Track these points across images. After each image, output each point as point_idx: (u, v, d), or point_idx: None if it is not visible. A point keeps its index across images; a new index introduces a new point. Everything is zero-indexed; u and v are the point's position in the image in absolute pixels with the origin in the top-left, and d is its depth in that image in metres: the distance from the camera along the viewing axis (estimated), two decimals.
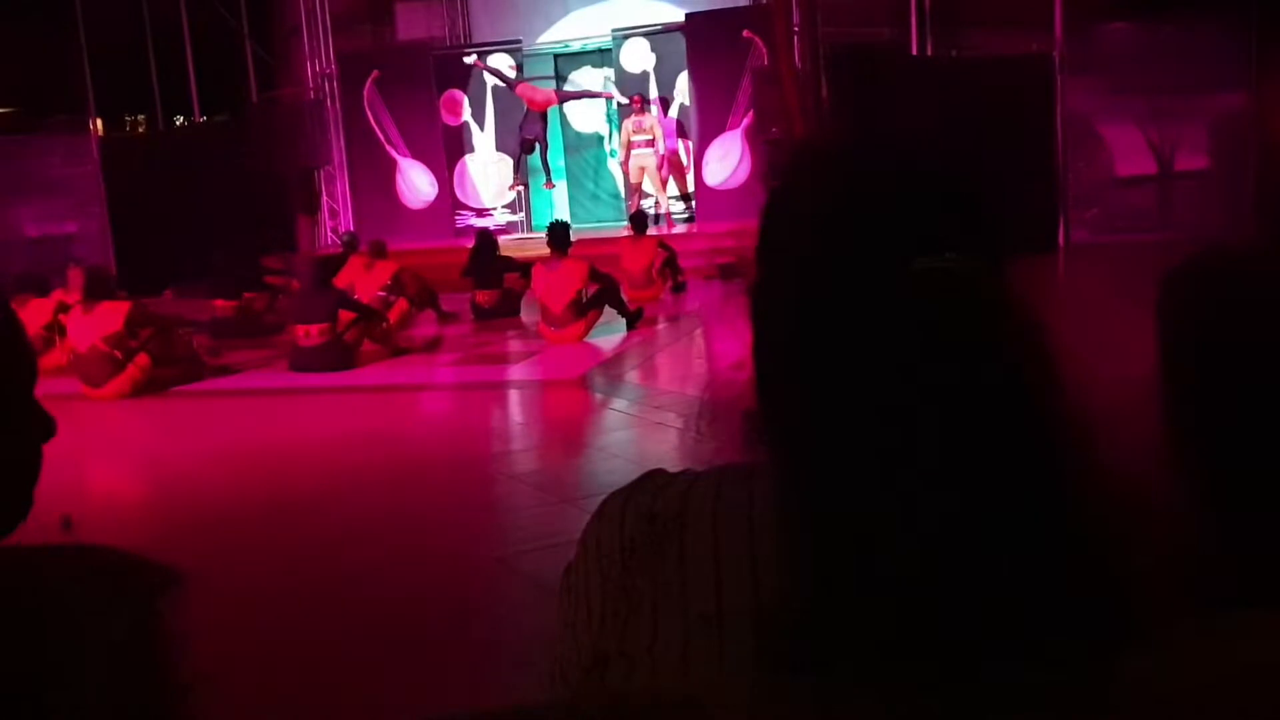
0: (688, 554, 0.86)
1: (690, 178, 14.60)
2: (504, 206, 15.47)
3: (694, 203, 14.56)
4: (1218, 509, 1.00)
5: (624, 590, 0.88)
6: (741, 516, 0.86)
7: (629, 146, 14.03)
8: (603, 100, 15.70)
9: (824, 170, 0.90)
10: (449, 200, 15.31)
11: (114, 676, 1.01)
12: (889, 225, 0.81)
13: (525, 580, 3.72)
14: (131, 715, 1.01)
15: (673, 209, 14.43)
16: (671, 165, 14.46)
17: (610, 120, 15.56)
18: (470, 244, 11.07)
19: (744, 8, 14.54)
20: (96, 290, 7.68)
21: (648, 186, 14.38)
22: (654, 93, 14.78)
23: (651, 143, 13.87)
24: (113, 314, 7.49)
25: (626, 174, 14.33)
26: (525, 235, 14.47)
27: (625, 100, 14.65)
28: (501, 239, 12.05)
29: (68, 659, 0.99)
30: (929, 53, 13.54)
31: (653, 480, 0.93)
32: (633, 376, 7.43)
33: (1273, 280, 1.01)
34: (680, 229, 13.94)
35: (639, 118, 13.87)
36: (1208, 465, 1.00)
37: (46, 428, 1.09)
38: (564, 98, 15.35)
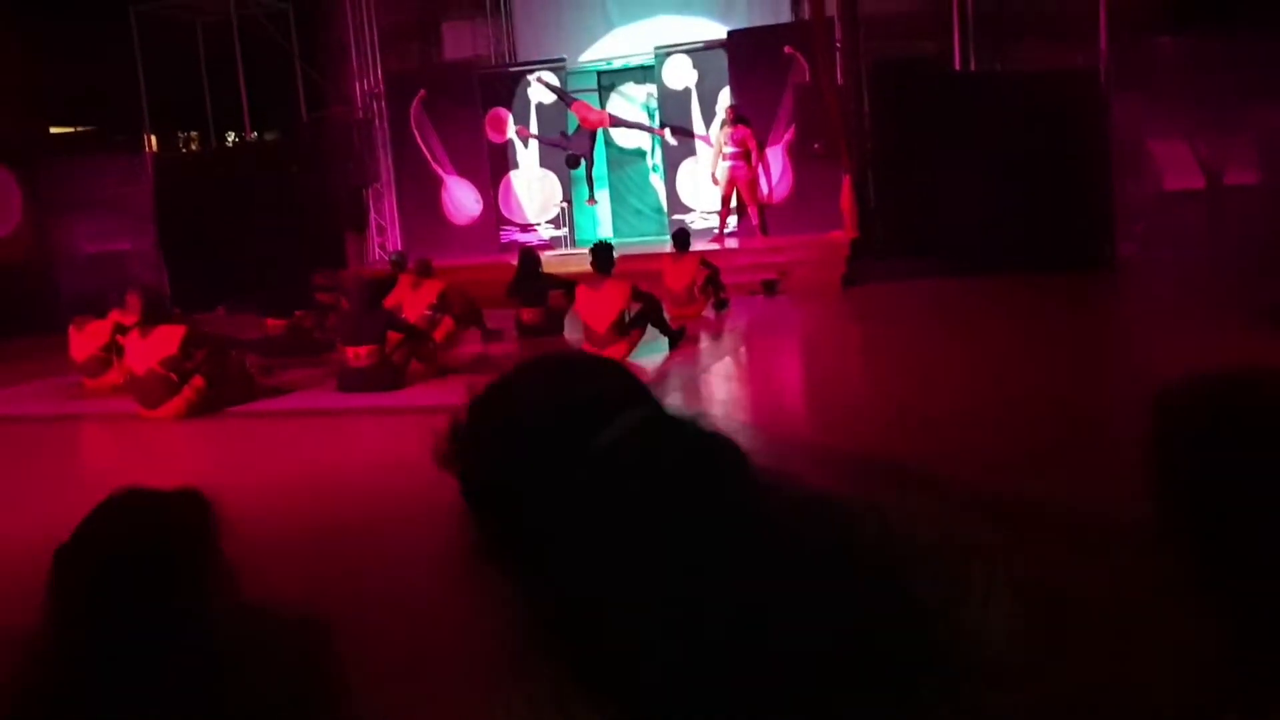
0: None
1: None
2: (548, 222, 15.63)
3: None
4: (1215, 612, 1.07)
5: None
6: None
7: (720, 157, 13.93)
8: (649, 118, 15.84)
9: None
10: (494, 216, 15.50)
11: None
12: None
13: None
14: None
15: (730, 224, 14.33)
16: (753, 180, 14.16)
17: (655, 138, 15.66)
18: (514, 259, 11.23)
19: (785, 24, 14.61)
20: (154, 314, 7.89)
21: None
22: (696, 108, 14.88)
23: (741, 155, 13.78)
24: (169, 337, 7.70)
25: (715, 183, 14.13)
26: (568, 251, 14.61)
27: (675, 142, 14.74)
28: (545, 254, 12.19)
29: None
30: (972, 67, 13.51)
31: None
32: (675, 399, 7.51)
33: (1263, 407, 1.08)
34: (732, 244, 13.93)
35: (732, 129, 13.76)
36: (1202, 570, 1.07)
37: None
38: (616, 123, 15.48)
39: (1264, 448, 1.04)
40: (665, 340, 9.08)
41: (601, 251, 9.12)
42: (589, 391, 0.99)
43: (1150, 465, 1.13)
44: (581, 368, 1.03)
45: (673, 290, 10.57)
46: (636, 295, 8.89)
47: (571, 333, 9.97)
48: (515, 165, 15.61)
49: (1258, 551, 1.04)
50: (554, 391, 1.01)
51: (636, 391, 1.00)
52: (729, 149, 13.76)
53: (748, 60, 14.15)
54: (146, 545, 1.64)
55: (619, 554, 0.90)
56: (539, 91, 15.31)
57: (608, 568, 0.91)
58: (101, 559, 1.61)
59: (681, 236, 11.14)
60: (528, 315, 10.41)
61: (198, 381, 7.75)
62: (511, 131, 15.49)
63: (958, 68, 13.48)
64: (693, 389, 7.81)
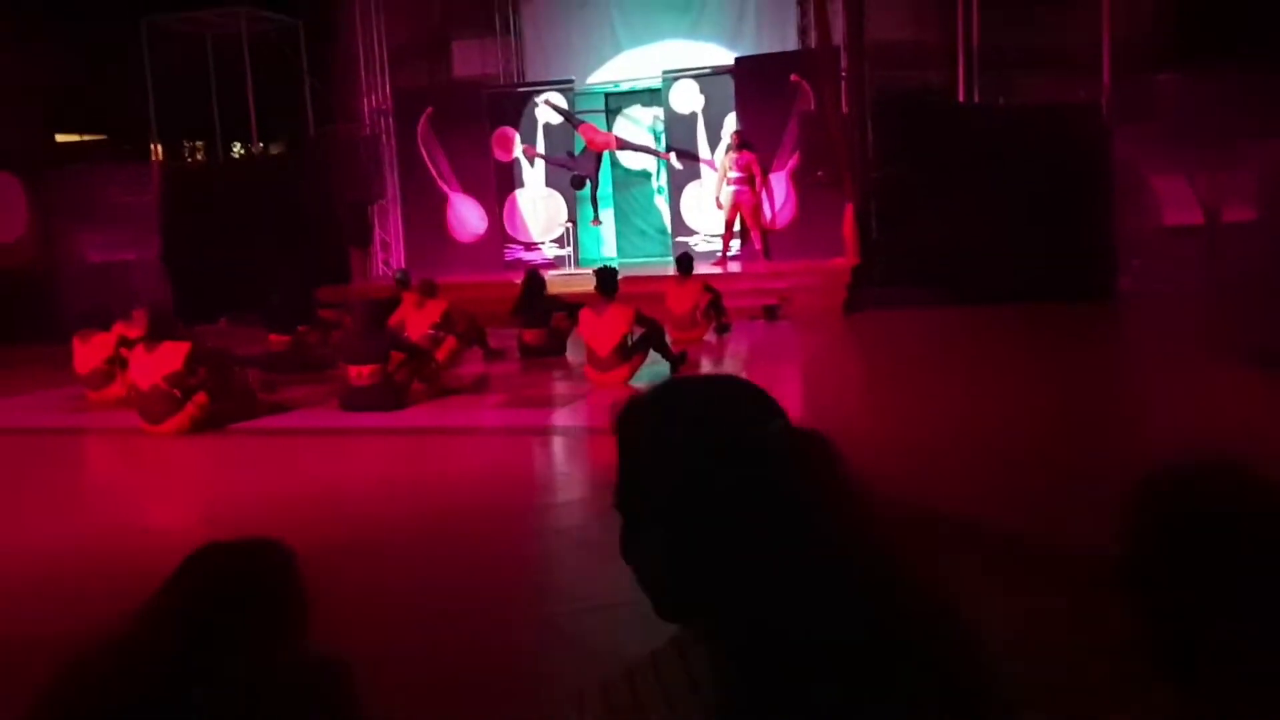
0: None
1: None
2: (552, 241, 15.72)
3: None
4: (1183, 682, 1.12)
5: None
6: (684, 685, 1.10)
7: (725, 182, 14.02)
8: (655, 140, 15.97)
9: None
10: (498, 234, 15.58)
11: None
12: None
13: (568, 643, 3.83)
14: None
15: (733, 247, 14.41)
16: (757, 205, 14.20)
17: (660, 160, 15.78)
18: (518, 278, 11.30)
19: (792, 52, 14.74)
20: (160, 330, 7.95)
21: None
22: (702, 132, 14.98)
23: (745, 180, 13.84)
24: (174, 353, 7.75)
25: (719, 207, 14.19)
26: (572, 271, 14.69)
27: (680, 166, 14.85)
28: (549, 274, 12.26)
29: None
30: (976, 98, 13.61)
31: (589, 699, 1.15)
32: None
33: (1235, 496, 1.14)
34: (734, 267, 13.99)
35: (736, 154, 13.85)
36: (1171, 645, 1.13)
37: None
38: (623, 145, 15.60)
39: (1236, 551, 1.10)
40: (667, 365, 9.13)
41: (606, 276, 9.18)
42: (748, 400, 1.20)
43: (1126, 554, 1.19)
44: (740, 384, 1.23)
45: (675, 314, 10.63)
46: (639, 320, 8.96)
47: (574, 355, 10.04)
48: (521, 184, 15.71)
49: (1220, 645, 1.09)
50: (721, 392, 1.22)
51: (779, 409, 1.20)
52: (733, 174, 13.85)
53: (754, 86, 14.26)
54: (235, 592, 1.78)
55: (758, 525, 1.08)
56: (546, 112, 15.42)
57: (745, 537, 1.08)
58: (190, 606, 1.73)
59: (685, 261, 11.21)
60: (530, 336, 10.48)
61: (201, 397, 7.79)
62: (518, 150, 15.59)
63: (961, 99, 13.58)
64: None
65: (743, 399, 1.20)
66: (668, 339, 9.38)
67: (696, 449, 1.13)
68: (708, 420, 1.17)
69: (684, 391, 1.24)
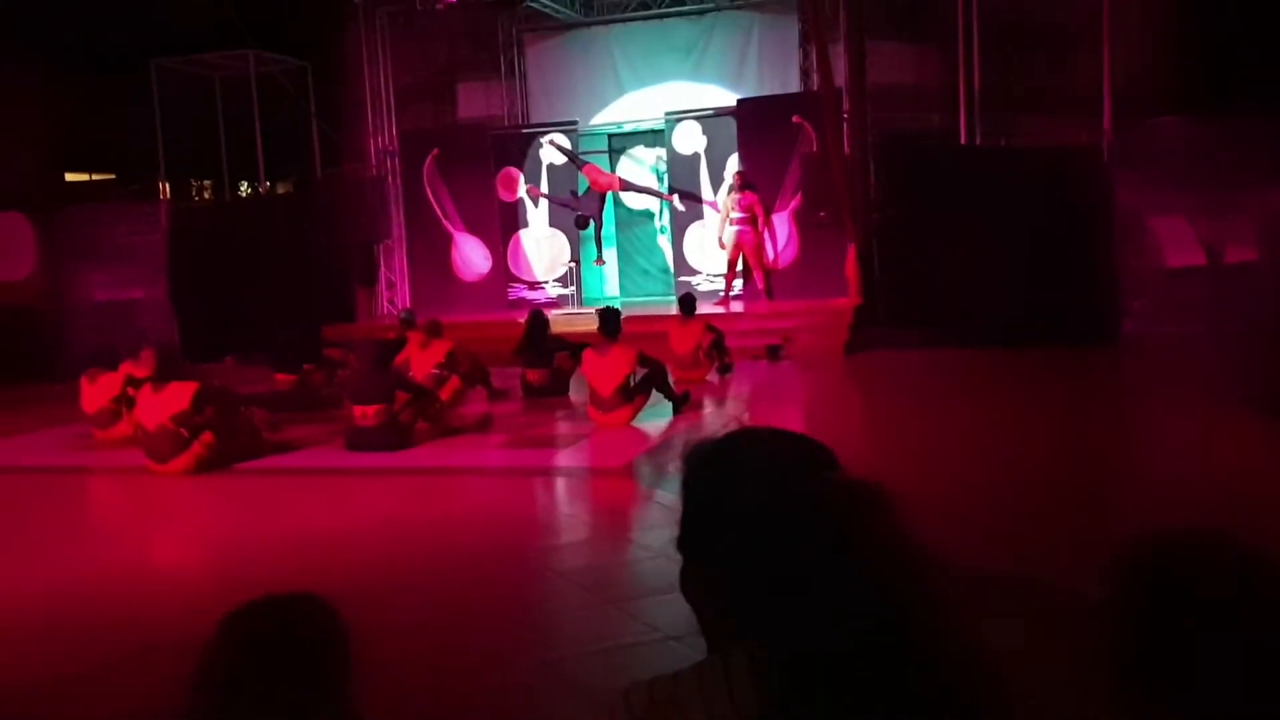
0: None
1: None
2: (555, 280, 15.81)
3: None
4: None
5: None
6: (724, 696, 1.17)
7: (727, 222, 14.06)
8: (658, 181, 16.11)
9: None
10: (502, 273, 15.68)
11: None
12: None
13: (569, 687, 3.84)
14: None
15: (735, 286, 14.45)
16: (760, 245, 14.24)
17: (663, 201, 15.91)
18: (521, 317, 11.38)
19: (795, 94, 14.88)
20: (167, 370, 8.00)
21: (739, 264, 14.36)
22: (704, 173, 15.10)
23: (748, 220, 13.90)
24: (181, 393, 7.79)
25: (722, 248, 14.23)
26: (575, 310, 14.76)
27: (683, 207, 14.97)
28: (552, 313, 12.33)
29: None
30: (977, 141, 13.72)
31: (636, 690, 1.23)
32: (678, 467, 7.53)
33: (1214, 572, 1.18)
34: (737, 307, 14.05)
35: (739, 195, 13.92)
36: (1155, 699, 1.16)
37: None
38: (626, 186, 15.74)
39: (1217, 621, 1.13)
40: (669, 405, 9.16)
41: (609, 316, 9.23)
42: (807, 452, 1.33)
43: (1108, 624, 1.21)
44: (799, 438, 1.36)
45: (678, 353, 10.68)
46: (642, 360, 9.00)
47: (577, 395, 10.07)
48: (525, 224, 15.83)
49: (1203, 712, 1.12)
50: (783, 444, 1.34)
51: (836, 462, 1.33)
52: (736, 214, 13.94)
53: (756, 128, 14.39)
54: (276, 657, 1.75)
55: (815, 568, 1.15)
56: (551, 153, 15.57)
57: (804, 579, 1.15)
58: (236, 663, 1.71)
59: (688, 301, 11.27)
60: (533, 376, 10.52)
61: (207, 437, 7.82)
62: (522, 191, 15.72)
63: (963, 141, 13.69)
64: None
65: (802, 451, 1.32)
66: (670, 379, 9.42)
67: (760, 497, 1.22)
68: (771, 470, 1.27)
69: (748, 443, 1.35)
